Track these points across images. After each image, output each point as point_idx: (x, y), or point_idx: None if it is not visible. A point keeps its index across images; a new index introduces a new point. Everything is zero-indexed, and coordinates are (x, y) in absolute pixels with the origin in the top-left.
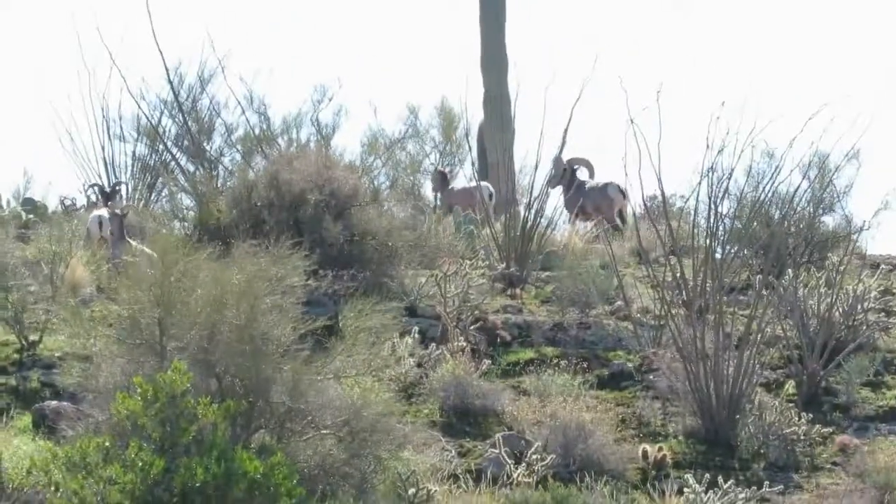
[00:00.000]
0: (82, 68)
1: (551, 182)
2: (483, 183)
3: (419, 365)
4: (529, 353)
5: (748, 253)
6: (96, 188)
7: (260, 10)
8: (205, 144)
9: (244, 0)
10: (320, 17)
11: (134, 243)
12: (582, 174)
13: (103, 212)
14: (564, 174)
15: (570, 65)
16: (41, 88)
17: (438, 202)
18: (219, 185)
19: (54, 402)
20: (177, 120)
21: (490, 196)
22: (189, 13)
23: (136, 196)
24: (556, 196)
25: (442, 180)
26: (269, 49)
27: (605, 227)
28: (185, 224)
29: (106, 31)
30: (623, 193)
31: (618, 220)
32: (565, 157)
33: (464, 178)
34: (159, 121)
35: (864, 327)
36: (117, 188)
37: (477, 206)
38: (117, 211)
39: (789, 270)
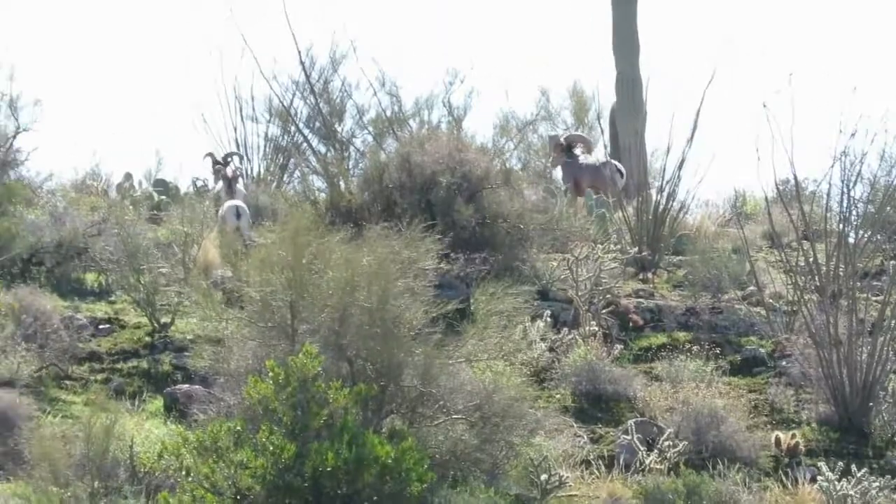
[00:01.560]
0: (215, 50)
1: (553, 163)
2: (612, 161)
3: (551, 349)
4: (661, 338)
5: (881, 238)
6: (210, 156)
7: None
8: (336, 126)
9: None
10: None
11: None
12: (579, 151)
13: (239, 201)
14: (561, 151)
15: (702, 48)
16: (173, 70)
17: (562, 175)
18: (350, 166)
19: (186, 386)
20: (308, 101)
21: (621, 175)
22: None
23: (268, 177)
24: (687, 179)
25: (566, 150)
26: (400, 30)
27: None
28: (317, 206)
29: (239, 12)
30: (621, 173)
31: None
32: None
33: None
34: (291, 102)
35: None
36: (229, 159)
37: (605, 184)
38: (228, 173)
39: None
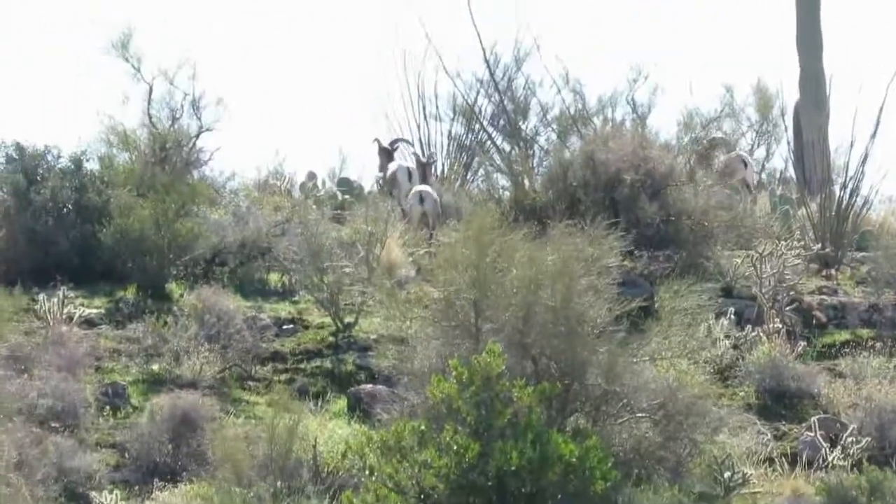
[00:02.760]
0: (399, 48)
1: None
2: (740, 153)
3: (735, 347)
4: (845, 335)
5: None
6: (377, 142)
7: None
8: (520, 124)
9: None
10: None
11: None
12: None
13: (424, 187)
14: (382, 153)
15: (886, 43)
16: (357, 68)
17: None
18: (534, 164)
19: (369, 386)
20: (493, 99)
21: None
22: None
23: (452, 176)
24: (870, 175)
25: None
26: (584, 28)
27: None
28: (501, 204)
29: (422, 11)
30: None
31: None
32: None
33: None
34: (475, 100)
35: None
36: (396, 145)
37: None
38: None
39: None
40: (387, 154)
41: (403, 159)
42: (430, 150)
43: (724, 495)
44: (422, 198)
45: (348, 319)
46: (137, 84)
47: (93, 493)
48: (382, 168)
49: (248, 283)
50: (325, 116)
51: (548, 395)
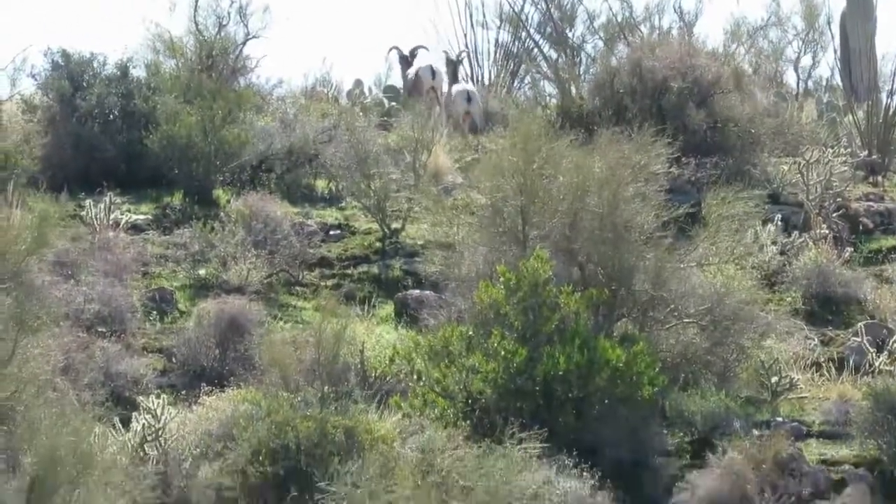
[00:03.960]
0: None
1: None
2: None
3: (782, 253)
4: (891, 241)
5: None
6: (396, 50)
7: None
8: (567, 31)
9: None
10: None
11: None
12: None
13: (469, 86)
14: (402, 61)
15: None
16: None
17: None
18: (580, 72)
19: (416, 291)
20: (539, 7)
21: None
22: None
23: (499, 83)
24: None
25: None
26: None
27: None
28: (548, 111)
29: None
30: (433, 74)
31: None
32: None
33: None
34: (522, 8)
35: None
36: (414, 52)
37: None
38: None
39: None
40: (406, 62)
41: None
42: (462, 50)
43: (771, 400)
44: (469, 97)
45: (395, 225)
46: None
47: (139, 398)
48: (403, 75)
49: (295, 189)
50: (372, 23)
51: (595, 301)
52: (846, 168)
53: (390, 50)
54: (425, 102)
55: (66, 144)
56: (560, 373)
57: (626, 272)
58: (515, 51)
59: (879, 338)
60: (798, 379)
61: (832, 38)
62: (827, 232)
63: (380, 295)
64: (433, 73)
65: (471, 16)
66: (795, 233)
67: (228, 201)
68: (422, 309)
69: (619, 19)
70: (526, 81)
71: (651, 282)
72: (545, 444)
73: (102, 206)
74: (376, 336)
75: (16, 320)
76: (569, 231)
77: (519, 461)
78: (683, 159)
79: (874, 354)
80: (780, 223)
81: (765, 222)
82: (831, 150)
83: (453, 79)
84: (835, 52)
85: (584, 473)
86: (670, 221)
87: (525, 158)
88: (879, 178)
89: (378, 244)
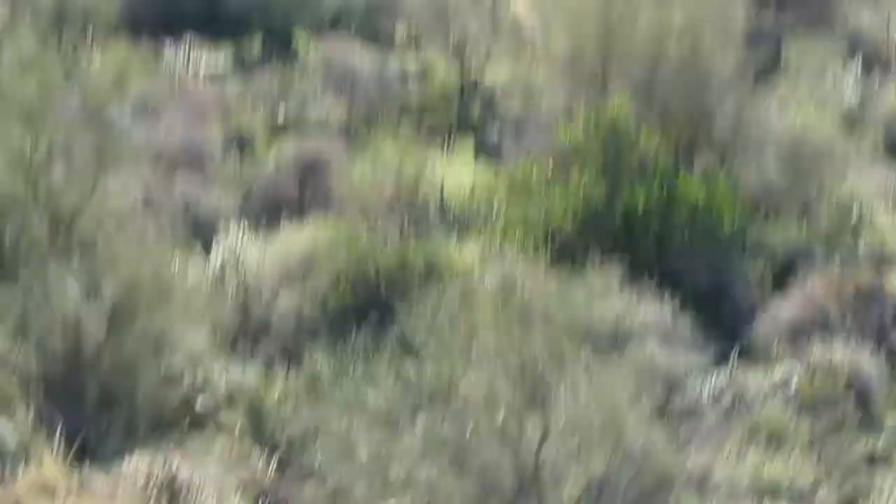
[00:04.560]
0: None
1: None
2: None
3: (862, 97)
4: None
5: None
6: None
7: None
8: None
9: None
10: None
11: None
12: None
13: None
14: None
15: None
16: None
17: None
18: None
19: (495, 130)
20: None
21: None
22: None
23: None
24: None
25: None
26: None
27: None
28: None
29: None
30: None
31: None
32: None
33: None
34: None
35: None
36: None
37: None
38: None
39: None
40: None
41: None
42: None
43: (852, 233)
44: None
45: (475, 69)
46: None
47: (219, 230)
48: None
49: (375, 34)
50: None
51: (675, 141)
52: None
53: None
54: None
55: None
56: (640, 209)
57: (706, 114)
58: None
59: None
60: (879, 212)
61: None
62: None
63: (460, 135)
64: None
65: None
66: (876, 77)
67: (308, 47)
68: (501, 148)
69: None
70: None
71: (730, 125)
72: (626, 273)
73: (183, 51)
74: (457, 172)
75: (97, 157)
76: (649, 76)
77: (600, 289)
78: (765, 7)
79: None
80: (860, 67)
81: (846, 66)
82: None
83: None
84: None
85: (665, 300)
86: (751, 66)
87: (606, 2)
88: None
89: (457, 88)
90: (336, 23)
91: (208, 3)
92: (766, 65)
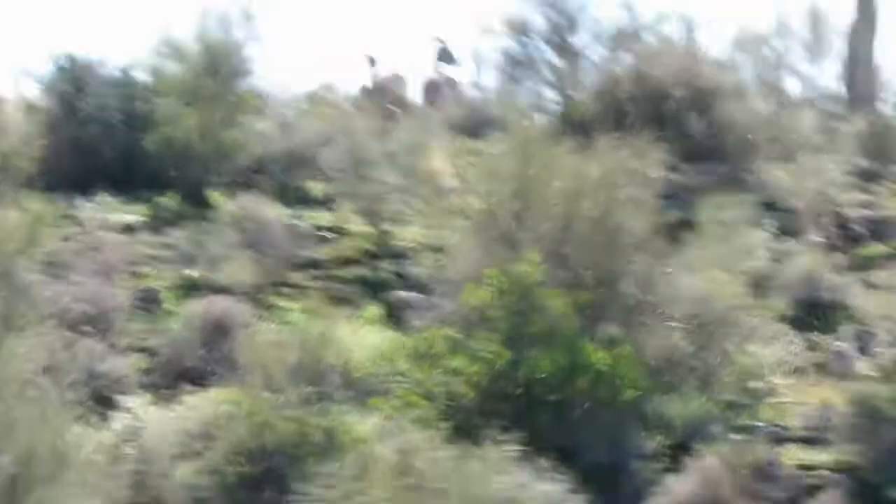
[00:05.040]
0: None
1: None
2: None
3: (773, 259)
4: (882, 248)
5: None
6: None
7: None
8: (571, 38)
9: None
10: None
11: None
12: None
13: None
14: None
15: None
16: None
17: None
18: (583, 78)
19: (404, 293)
20: (544, 13)
21: None
22: None
23: (502, 89)
24: None
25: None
26: None
27: None
28: (549, 117)
29: None
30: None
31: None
32: None
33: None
34: (526, 14)
35: None
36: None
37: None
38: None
39: None
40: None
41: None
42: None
43: (753, 405)
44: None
45: (387, 228)
46: None
47: (120, 397)
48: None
49: (290, 191)
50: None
51: (582, 305)
52: (841, 176)
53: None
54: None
55: (65, 146)
56: (543, 375)
57: (614, 276)
58: (519, 57)
59: (864, 343)
60: (781, 384)
61: (835, 46)
62: (818, 238)
63: (368, 296)
64: (397, 79)
65: (475, 22)
66: (787, 239)
67: (222, 203)
68: (409, 311)
69: (623, 26)
70: (528, 87)
71: (639, 286)
72: (524, 447)
73: (94, 206)
74: (362, 337)
75: (2, 319)
76: (561, 235)
77: (496, 464)
78: (681, 165)
79: (859, 360)
80: (772, 229)
81: (757, 228)
82: (828, 158)
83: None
84: (838, 61)
85: (560, 476)
86: (663, 226)
87: (522, 163)
88: (874, 187)
89: (369, 246)
90: (251, 179)
91: (123, 158)
92: (677, 225)
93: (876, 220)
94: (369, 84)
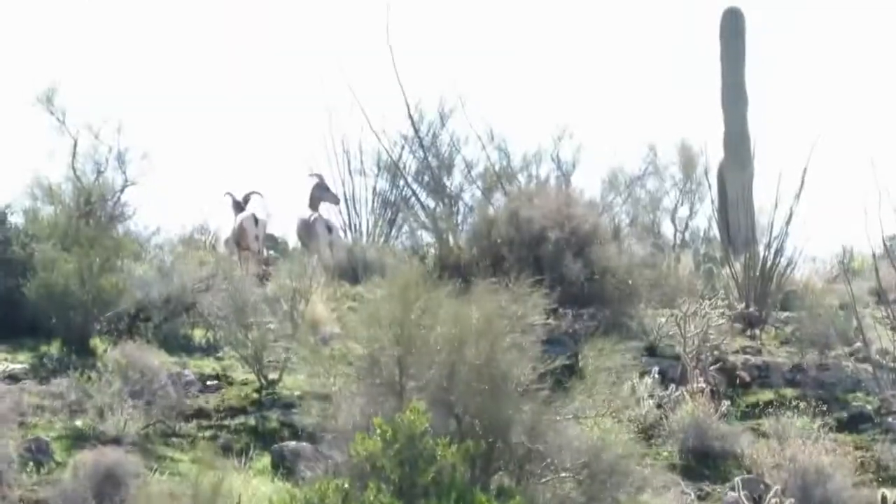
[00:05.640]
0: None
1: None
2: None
3: (659, 406)
4: (769, 395)
5: None
6: (230, 195)
7: (497, 48)
8: (445, 180)
9: (483, 37)
10: (556, 55)
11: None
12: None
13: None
14: (235, 206)
15: (811, 102)
16: (282, 125)
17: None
18: (458, 221)
19: (293, 443)
20: (417, 156)
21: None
22: (428, 49)
23: (377, 232)
24: (794, 235)
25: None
26: (509, 86)
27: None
28: (425, 260)
29: (348, 68)
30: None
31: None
32: None
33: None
34: (400, 156)
35: None
36: (248, 198)
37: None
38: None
39: None
40: (239, 207)
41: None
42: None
43: None
44: (256, 221)
45: (272, 376)
46: (62, 137)
47: None
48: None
49: (173, 338)
50: (250, 171)
51: (471, 454)
52: (723, 321)
53: (224, 195)
54: (243, 252)
55: None
56: None
57: (502, 424)
58: (393, 199)
59: (756, 493)
60: None
61: (709, 188)
62: (704, 385)
63: (257, 446)
64: (256, 221)
65: (349, 164)
66: (672, 386)
67: (106, 350)
68: (299, 461)
69: (497, 168)
70: (404, 230)
71: (527, 434)
72: None
73: None
74: (253, 488)
75: None
76: (446, 382)
77: None
78: (561, 310)
79: None
80: (657, 376)
81: (642, 375)
82: (708, 303)
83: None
84: (712, 202)
85: None
86: (547, 373)
87: (403, 308)
88: (757, 332)
89: (255, 395)
90: (135, 326)
91: (6, 306)
92: (563, 371)
93: (759, 366)
94: (234, 225)
